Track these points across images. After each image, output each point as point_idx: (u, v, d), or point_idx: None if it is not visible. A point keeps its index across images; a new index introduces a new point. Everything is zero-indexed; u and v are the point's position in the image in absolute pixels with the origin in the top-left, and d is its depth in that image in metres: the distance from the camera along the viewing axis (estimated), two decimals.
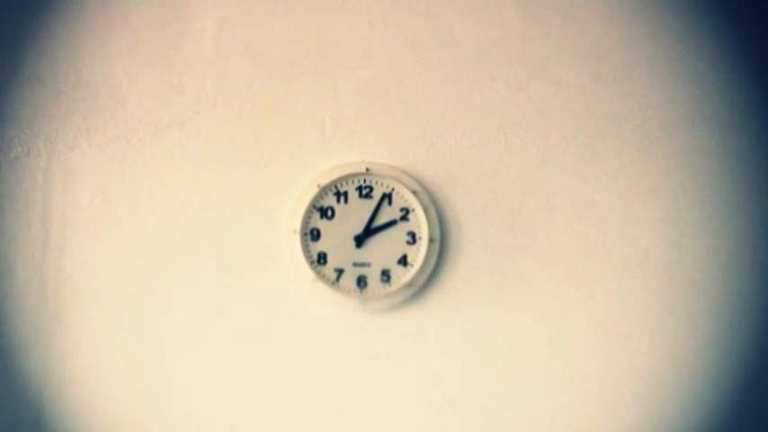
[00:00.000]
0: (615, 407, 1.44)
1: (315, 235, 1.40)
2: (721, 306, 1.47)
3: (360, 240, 1.40)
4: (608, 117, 1.48)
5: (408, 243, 1.41)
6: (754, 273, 1.48)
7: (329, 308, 1.41)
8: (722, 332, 1.47)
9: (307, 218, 1.39)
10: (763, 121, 1.51)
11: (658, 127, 1.48)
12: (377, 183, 1.41)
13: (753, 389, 1.48)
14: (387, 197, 1.41)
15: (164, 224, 1.42)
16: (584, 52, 1.49)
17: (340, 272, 1.39)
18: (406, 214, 1.41)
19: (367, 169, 1.41)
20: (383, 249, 1.41)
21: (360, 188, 1.41)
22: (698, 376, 1.46)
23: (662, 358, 1.46)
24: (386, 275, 1.40)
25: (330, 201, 1.40)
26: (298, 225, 1.39)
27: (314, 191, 1.40)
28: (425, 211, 1.41)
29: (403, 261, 1.40)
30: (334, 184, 1.40)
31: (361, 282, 1.40)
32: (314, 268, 1.38)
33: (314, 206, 1.40)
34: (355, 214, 1.41)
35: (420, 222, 1.41)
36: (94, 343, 1.39)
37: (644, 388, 1.45)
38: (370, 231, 1.41)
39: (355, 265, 1.40)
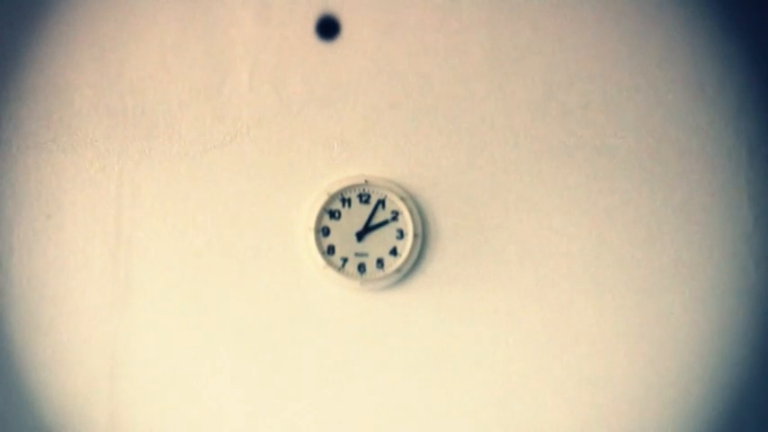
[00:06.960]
0: (551, 364, 1.52)
1: (325, 232, 1.49)
2: (648, 276, 1.54)
3: (360, 236, 1.50)
4: (551, 143, 1.55)
5: (398, 238, 1.51)
6: (678, 251, 1.55)
7: (336, 288, 1.51)
8: (649, 302, 1.53)
9: (319, 218, 1.49)
10: (707, 128, 1.57)
11: (594, 147, 1.55)
12: (373, 191, 1.51)
13: (694, 351, 1.53)
14: (381, 202, 1.51)
15: (209, 224, 1.49)
16: (533, 90, 1.55)
17: (345, 260, 1.49)
18: (395, 216, 1.51)
19: (366, 181, 1.51)
20: (378, 243, 1.50)
21: (360, 195, 1.51)
22: (632, 342, 1.53)
23: (594, 327, 1.53)
24: (380, 263, 1.50)
25: (337, 205, 1.50)
26: (312, 224, 1.48)
27: (324, 198, 1.49)
28: (411, 213, 1.50)
29: (393, 252, 1.51)
30: (340, 192, 1.50)
31: (361, 268, 1.50)
32: (324, 257, 1.48)
33: (324, 209, 1.49)
34: (356, 216, 1.50)
35: (407, 222, 1.50)
36: (156, 318, 1.48)
37: (582, 350, 1.52)
38: (368, 229, 1.50)
39: (356, 255, 1.50)
